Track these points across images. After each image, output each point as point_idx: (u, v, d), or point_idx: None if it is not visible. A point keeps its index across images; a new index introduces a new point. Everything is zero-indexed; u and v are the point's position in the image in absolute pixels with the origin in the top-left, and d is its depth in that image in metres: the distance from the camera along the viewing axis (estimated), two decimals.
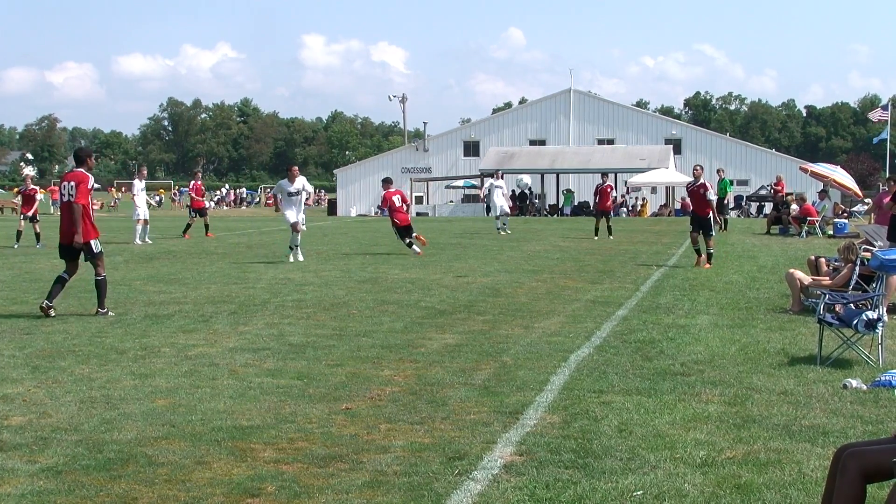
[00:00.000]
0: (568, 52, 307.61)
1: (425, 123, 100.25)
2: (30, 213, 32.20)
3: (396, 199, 27.76)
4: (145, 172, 35.97)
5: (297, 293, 17.55)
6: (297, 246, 24.80)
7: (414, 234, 27.81)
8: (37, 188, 34.32)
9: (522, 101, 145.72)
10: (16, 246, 30.94)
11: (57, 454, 7.35)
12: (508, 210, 38.60)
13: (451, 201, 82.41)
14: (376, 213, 74.91)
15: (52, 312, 14.39)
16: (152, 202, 34.28)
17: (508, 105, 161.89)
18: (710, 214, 23.12)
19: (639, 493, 6.50)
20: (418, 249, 26.98)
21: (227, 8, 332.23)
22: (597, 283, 19.48)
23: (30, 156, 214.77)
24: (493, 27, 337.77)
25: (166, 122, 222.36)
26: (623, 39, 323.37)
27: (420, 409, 8.78)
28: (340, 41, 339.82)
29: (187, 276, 20.82)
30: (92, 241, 14.68)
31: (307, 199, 26.14)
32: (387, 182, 28.59)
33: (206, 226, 37.14)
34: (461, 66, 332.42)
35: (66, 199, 14.58)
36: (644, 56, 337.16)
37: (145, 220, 33.49)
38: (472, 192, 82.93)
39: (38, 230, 31.79)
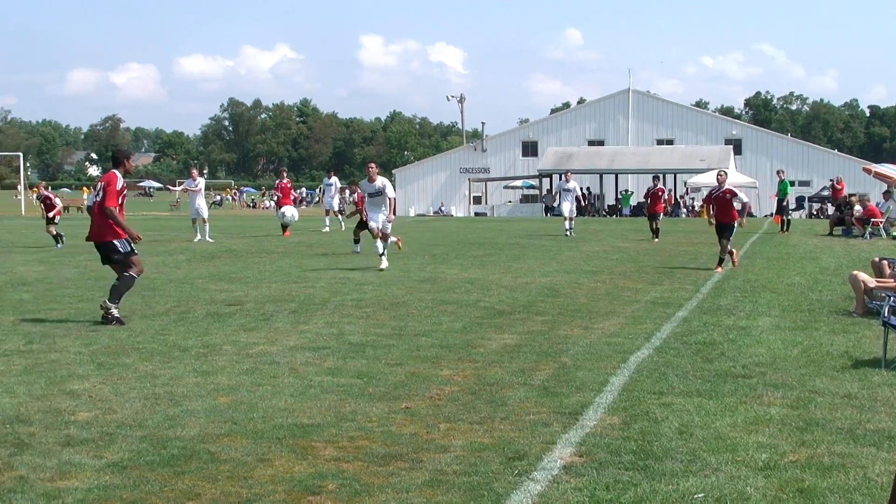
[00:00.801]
0: (625, 51, 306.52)
1: (483, 123, 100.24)
2: (50, 216, 32.33)
3: None
4: (195, 173, 36.31)
5: (356, 292, 17.61)
6: (382, 254, 22.23)
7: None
8: (51, 196, 34.67)
9: (581, 102, 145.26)
10: (58, 246, 30.32)
11: (122, 449, 7.44)
12: (574, 214, 38.10)
13: (510, 201, 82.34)
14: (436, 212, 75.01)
15: (124, 320, 13.98)
16: (196, 202, 33.94)
17: (567, 105, 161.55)
18: (735, 220, 22.52)
19: (700, 495, 6.45)
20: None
21: (287, 9, 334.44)
22: (656, 284, 19.37)
23: (94, 155, 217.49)
24: (550, 27, 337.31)
25: (227, 123, 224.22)
26: (681, 39, 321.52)
27: (479, 409, 8.78)
28: (398, 41, 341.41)
29: (248, 275, 20.97)
30: (117, 242, 14.18)
31: (389, 207, 22.88)
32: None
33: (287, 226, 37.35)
34: (519, 65, 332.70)
35: (97, 198, 14.37)
36: (703, 56, 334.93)
37: (203, 219, 34.05)
38: (531, 192, 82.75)
39: (54, 233, 31.39)
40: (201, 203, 34.44)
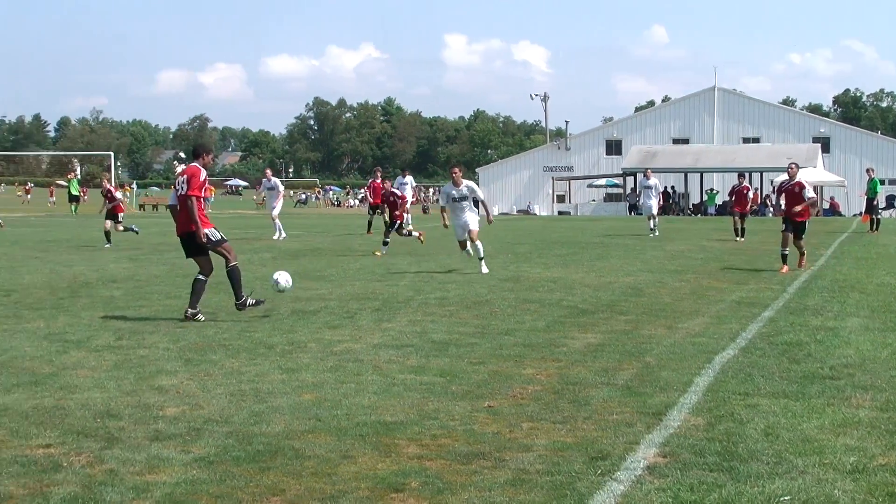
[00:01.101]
0: (711, 49, 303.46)
1: (567, 122, 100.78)
2: (111, 209, 31.62)
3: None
4: (269, 173, 36.65)
5: (439, 291, 17.64)
6: (481, 259, 21.05)
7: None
8: (112, 189, 32.94)
9: (665, 100, 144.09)
10: (107, 245, 30.16)
11: (209, 445, 7.52)
12: (656, 212, 37.72)
13: (593, 200, 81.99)
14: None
15: (201, 317, 14.10)
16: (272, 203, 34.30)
17: (651, 103, 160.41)
18: (808, 218, 21.95)
19: (786, 498, 6.36)
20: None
21: (371, 9, 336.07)
22: (742, 283, 19.15)
23: (182, 154, 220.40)
24: (635, 25, 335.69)
25: (312, 122, 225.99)
26: (768, 36, 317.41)
27: (562, 409, 8.74)
28: (482, 40, 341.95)
29: (332, 273, 21.11)
30: (207, 231, 14.27)
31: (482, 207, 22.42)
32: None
33: (370, 224, 37.45)
34: (603, 64, 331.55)
35: (180, 192, 14.38)
36: (790, 53, 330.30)
37: (272, 217, 34.52)
38: (615, 191, 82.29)
39: (109, 228, 30.91)
40: (275, 203, 34.71)
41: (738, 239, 32.83)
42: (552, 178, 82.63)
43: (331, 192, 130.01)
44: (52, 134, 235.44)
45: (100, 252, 27.59)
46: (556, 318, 14.36)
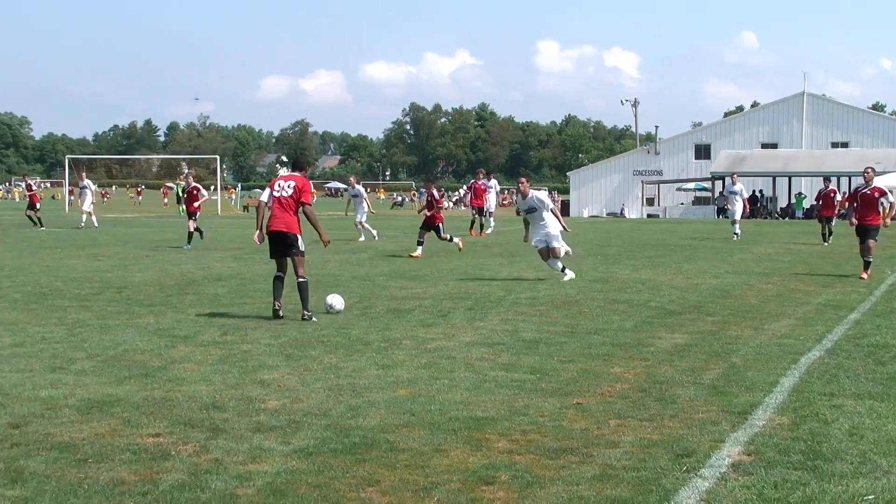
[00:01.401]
0: (801, 54, 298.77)
1: (657, 127, 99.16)
2: (192, 210, 30.97)
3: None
4: (353, 181, 36.49)
5: (530, 291, 17.62)
6: (560, 270, 19.51)
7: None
8: (199, 187, 32.14)
9: (754, 105, 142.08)
10: (187, 247, 29.52)
11: (308, 437, 7.61)
12: (739, 217, 37.09)
13: (682, 203, 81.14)
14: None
15: (282, 312, 14.18)
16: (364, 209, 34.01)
17: (740, 108, 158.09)
18: (880, 223, 20.62)
19: (870, 497, 6.27)
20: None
21: (467, 16, 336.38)
22: (828, 286, 18.84)
23: (285, 158, 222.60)
24: (725, 31, 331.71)
25: (408, 126, 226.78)
26: (858, 41, 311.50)
27: (649, 407, 8.71)
28: (574, 47, 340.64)
29: (426, 273, 21.19)
30: (300, 238, 14.36)
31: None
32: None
33: (474, 223, 37.39)
34: (692, 69, 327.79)
35: (285, 195, 14.35)
36: (880, 57, 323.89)
37: (356, 223, 34.39)
38: (703, 194, 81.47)
39: (192, 229, 30.39)
40: (360, 209, 34.58)
41: (824, 243, 32.28)
42: (642, 181, 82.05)
43: (424, 195, 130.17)
44: (161, 138, 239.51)
45: (206, 251, 27.94)
46: (643, 318, 14.27)
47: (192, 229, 30.36)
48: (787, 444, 7.46)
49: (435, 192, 28.73)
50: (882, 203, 20.81)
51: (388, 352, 11.39)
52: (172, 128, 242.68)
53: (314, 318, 13.89)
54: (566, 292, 17.41)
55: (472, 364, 10.64)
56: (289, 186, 14.44)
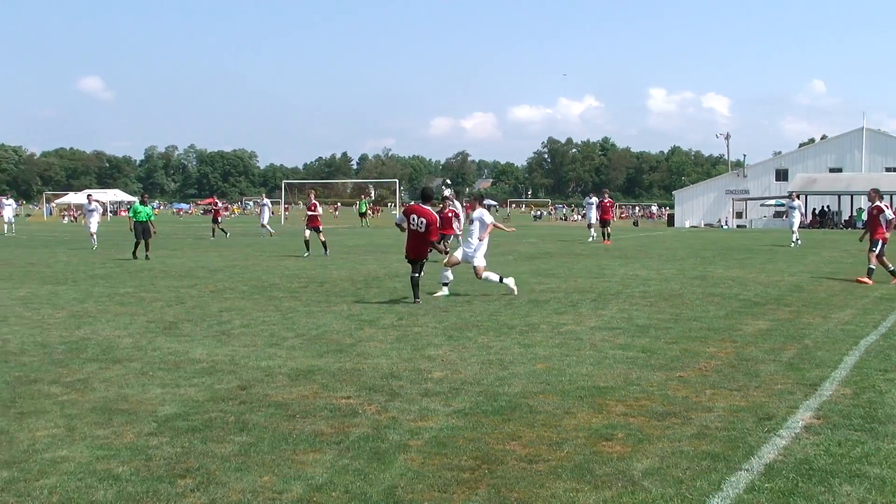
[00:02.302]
0: (861, 96, 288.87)
1: (744, 155, 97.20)
2: (316, 226, 28.02)
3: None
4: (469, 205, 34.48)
5: (642, 286, 17.33)
6: (498, 280, 15.71)
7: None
8: (317, 203, 28.89)
9: (823, 138, 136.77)
10: (306, 255, 27.04)
11: (464, 401, 7.63)
12: (796, 229, 35.19)
13: (764, 216, 79.11)
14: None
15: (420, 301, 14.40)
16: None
17: (811, 140, 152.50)
18: (880, 235, 19.08)
19: None
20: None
21: (592, 69, 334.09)
22: (884, 283, 18.06)
23: (448, 181, 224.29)
24: (799, 79, 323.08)
25: (546, 156, 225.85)
26: None
27: (737, 379, 8.47)
28: (678, 92, 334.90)
29: (560, 272, 21.04)
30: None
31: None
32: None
33: (606, 234, 36.52)
34: (773, 109, 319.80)
35: (419, 229, 14.70)
36: None
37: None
38: (782, 209, 79.48)
39: (323, 239, 27.76)
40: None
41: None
42: (732, 198, 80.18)
43: (559, 210, 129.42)
44: (354, 166, 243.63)
45: (386, 253, 28.21)
46: (733, 308, 13.89)
47: (322, 239, 27.76)
48: (849, 410, 7.23)
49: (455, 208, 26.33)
50: (880, 219, 19.39)
51: (528, 334, 11.34)
52: (363, 158, 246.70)
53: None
54: (672, 287, 17.07)
55: (596, 344, 10.52)
56: (421, 224, 14.75)
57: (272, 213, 46.03)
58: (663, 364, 9.28)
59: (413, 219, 14.86)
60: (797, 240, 34.65)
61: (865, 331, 11.57)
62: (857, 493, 5.31)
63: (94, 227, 33.11)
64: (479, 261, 15.85)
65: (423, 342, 10.70)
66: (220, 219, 43.25)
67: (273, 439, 6.44)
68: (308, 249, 27.65)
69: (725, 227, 74.93)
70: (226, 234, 41.92)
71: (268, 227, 42.50)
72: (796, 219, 35.55)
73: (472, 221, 15.98)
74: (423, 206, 15.07)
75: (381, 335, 11.27)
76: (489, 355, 9.81)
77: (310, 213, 28.68)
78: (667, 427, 6.76)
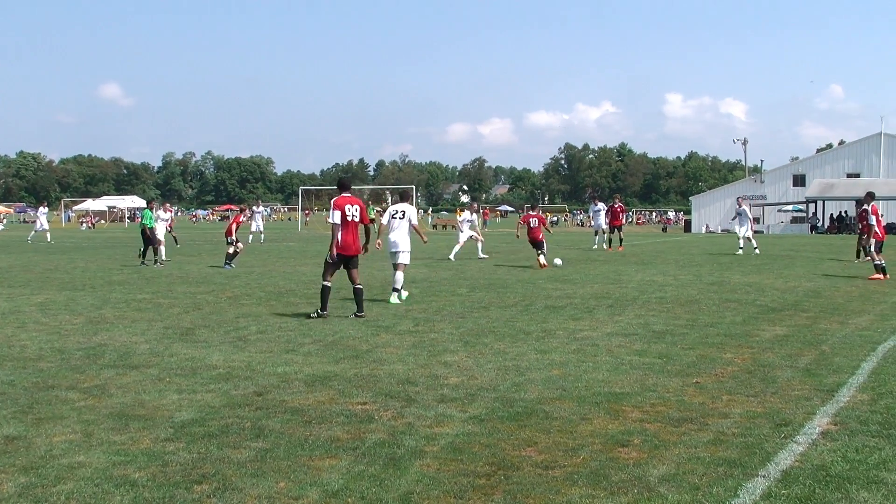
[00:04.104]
0: (879, 102, 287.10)
1: (762, 160, 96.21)
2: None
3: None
4: (475, 206, 34.41)
5: (659, 292, 17.29)
6: (398, 286, 15.87)
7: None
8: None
9: (841, 143, 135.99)
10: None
11: (480, 407, 7.62)
12: (747, 235, 34.38)
13: (782, 222, 78.75)
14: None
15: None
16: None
17: (829, 146, 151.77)
18: (868, 235, 21.35)
19: None
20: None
21: (610, 73, 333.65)
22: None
23: (465, 187, 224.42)
24: (817, 83, 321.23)
25: (563, 162, 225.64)
26: None
27: (754, 385, 8.43)
28: (695, 98, 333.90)
29: (576, 277, 21.00)
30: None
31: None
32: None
33: (620, 240, 36.32)
34: (791, 115, 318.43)
35: (355, 219, 13.74)
36: None
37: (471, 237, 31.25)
38: (799, 214, 79.15)
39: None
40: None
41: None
42: (749, 204, 79.96)
43: (574, 216, 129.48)
44: (371, 173, 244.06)
45: None
46: (750, 314, 13.84)
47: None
48: (866, 416, 7.18)
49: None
50: (867, 220, 21.62)
51: (544, 340, 11.33)
52: (380, 164, 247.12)
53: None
54: (688, 293, 17.02)
55: (612, 350, 10.49)
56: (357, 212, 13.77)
57: (263, 221, 45.93)
58: (680, 370, 9.25)
59: (348, 209, 13.68)
60: (755, 248, 33.38)
61: (883, 336, 11.50)
62: (875, 500, 5.28)
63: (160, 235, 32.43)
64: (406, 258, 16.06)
65: (440, 348, 10.69)
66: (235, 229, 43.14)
67: (289, 445, 6.45)
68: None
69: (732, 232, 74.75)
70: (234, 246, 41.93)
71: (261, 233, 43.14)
72: (745, 225, 34.88)
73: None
74: (347, 196, 13.85)
75: (397, 341, 11.26)
76: (505, 361, 9.80)
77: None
78: (683, 433, 6.73)
